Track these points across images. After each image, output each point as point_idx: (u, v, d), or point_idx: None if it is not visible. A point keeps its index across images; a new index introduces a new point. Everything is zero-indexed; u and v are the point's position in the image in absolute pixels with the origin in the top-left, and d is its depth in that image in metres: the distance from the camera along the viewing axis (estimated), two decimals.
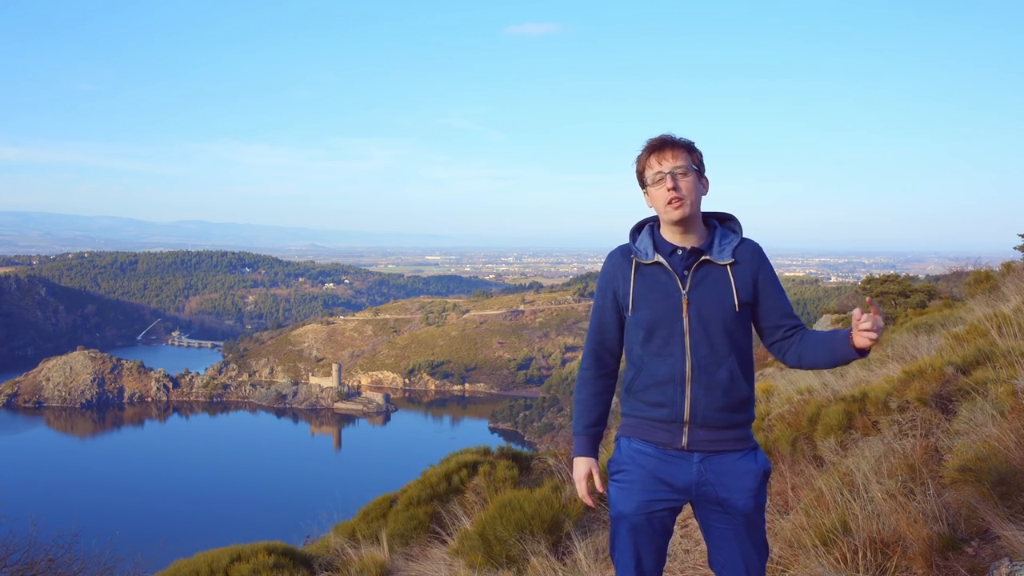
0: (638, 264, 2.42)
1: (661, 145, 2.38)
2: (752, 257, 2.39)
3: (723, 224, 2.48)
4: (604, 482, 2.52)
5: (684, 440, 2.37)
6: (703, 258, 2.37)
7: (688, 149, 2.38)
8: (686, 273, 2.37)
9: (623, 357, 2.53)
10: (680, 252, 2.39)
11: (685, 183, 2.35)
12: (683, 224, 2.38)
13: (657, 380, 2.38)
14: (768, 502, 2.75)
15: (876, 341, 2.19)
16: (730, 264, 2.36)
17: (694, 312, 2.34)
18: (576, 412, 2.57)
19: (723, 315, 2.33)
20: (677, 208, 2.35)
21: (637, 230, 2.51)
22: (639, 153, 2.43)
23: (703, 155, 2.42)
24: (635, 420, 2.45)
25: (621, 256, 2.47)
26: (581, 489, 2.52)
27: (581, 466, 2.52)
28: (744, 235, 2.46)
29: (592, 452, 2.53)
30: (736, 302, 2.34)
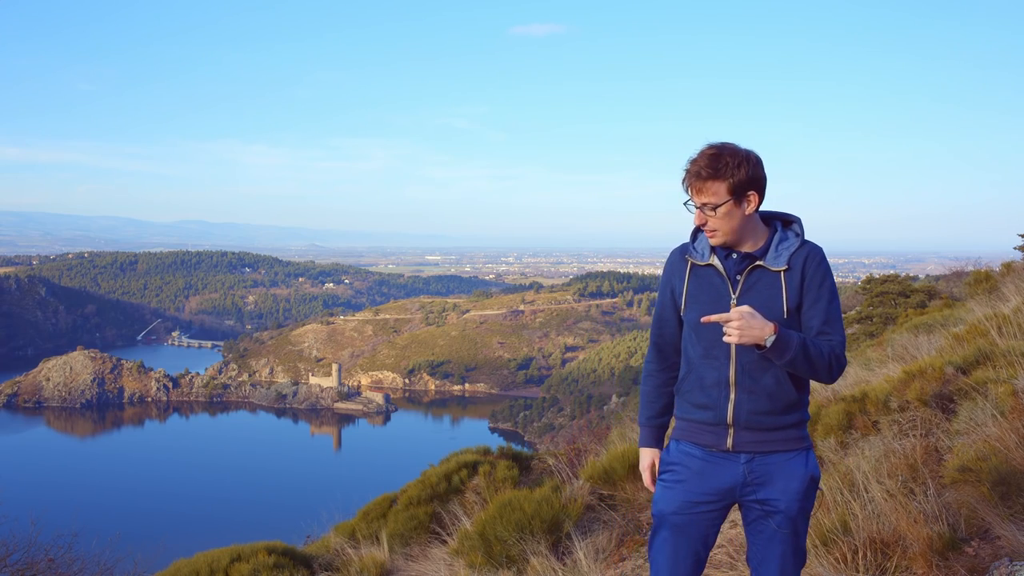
0: (693, 264, 2.41)
1: (696, 177, 2.29)
2: (806, 262, 2.31)
3: (786, 227, 2.39)
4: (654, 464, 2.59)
5: (729, 442, 2.36)
6: (756, 263, 2.32)
7: (727, 177, 2.25)
8: (738, 278, 2.33)
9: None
10: (735, 256, 2.36)
11: (716, 220, 2.29)
12: (726, 245, 2.36)
13: (703, 383, 2.39)
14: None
15: (741, 333, 2.16)
16: (784, 271, 2.30)
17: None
18: (641, 404, 2.62)
19: (775, 322, 2.27)
20: (712, 239, 2.34)
21: (699, 229, 2.46)
22: (686, 166, 2.33)
23: (752, 169, 2.25)
24: (684, 423, 2.47)
25: (680, 255, 2.47)
26: (646, 479, 2.58)
27: (645, 457, 2.59)
28: (806, 238, 2.36)
29: (656, 443, 2.58)
30: (785, 309, 2.28)
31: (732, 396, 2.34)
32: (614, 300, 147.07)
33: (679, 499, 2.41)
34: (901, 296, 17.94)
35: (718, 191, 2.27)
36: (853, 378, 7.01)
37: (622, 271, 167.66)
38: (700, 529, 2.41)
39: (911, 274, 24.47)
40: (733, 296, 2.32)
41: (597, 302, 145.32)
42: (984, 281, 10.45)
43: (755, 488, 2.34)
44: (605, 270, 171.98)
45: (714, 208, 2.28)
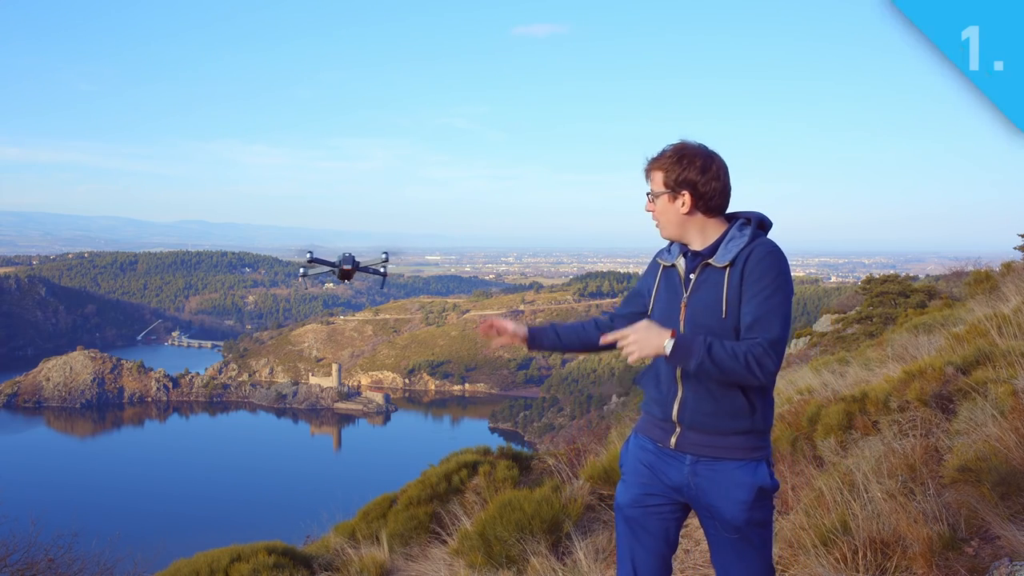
0: (664, 267, 2.48)
1: (648, 164, 2.42)
2: (748, 258, 2.28)
3: (746, 225, 2.40)
4: (509, 334, 2.69)
5: (673, 440, 2.39)
6: (706, 261, 2.34)
7: (665, 169, 2.35)
8: (691, 276, 2.37)
9: None
10: (690, 255, 2.41)
11: (655, 208, 2.41)
12: (672, 240, 2.44)
13: (658, 378, 2.44)
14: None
15: (632, 349, 2.22)
16: (728, 267, 2.30)
17: (689, 316, 2.34)
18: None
19: (712, 321, 2.29)
20: (658, 230, 2.45)
21: None
22: None
23: (689, 171, 2.32)
24: (643, 416, 2.53)
25: (657, 257, 2.54)
26: (486, 325, 2.74)
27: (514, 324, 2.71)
28: (762, 236, 2.35)
29: (535, 330, 2.70)
30: (724, 306, 2.28)
31: (679, 393, 2.37)
32: (614, 300, 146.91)
33: (632, 492, 2.46)
34: (901, 296, 17.97)
35: (656, 180, 2.38)
36: (853, 378, 7.02)
37: (622, 271, 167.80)
38: (658, 524, 2.43)
39: (911, 274, 24.52)
40: (684, 295, 2.37)
41: (597, 302, 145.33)
42: (984, 281, 10.46)
43: (699, 492, 2.34)
44: (605, 270, 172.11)
45: (653, 198, 2.40)
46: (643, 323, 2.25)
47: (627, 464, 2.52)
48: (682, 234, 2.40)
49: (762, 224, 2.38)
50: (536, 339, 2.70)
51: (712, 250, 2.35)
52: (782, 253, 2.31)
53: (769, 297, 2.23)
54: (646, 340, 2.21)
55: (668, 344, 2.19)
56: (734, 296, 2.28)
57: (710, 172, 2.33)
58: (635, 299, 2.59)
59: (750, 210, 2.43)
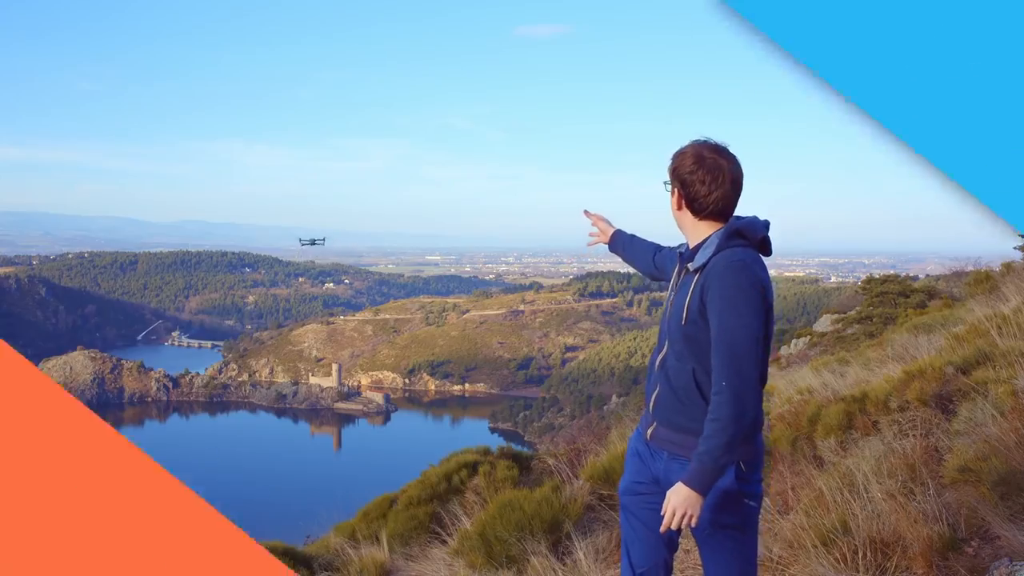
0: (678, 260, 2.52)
1: None
2: (710, 270, 2.23)
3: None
4: (602, 229, 2.96)
5: (649, 432, 2.42)
6: (686, 264, 2.36)
7: (672, 159, 2.37)
8: (680, 278, 2.42)
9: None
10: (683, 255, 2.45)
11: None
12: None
13: (650, 371, 2.48)
14: (760, 520, 2.61)
15: (685, 520, 2.16)
16: (697, 273, 2.28)
17: (668, 315, 2.39)
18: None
19: (677, 324, 2.31)
20: None
21: None
22: None
23: (674, 165, 2.33)
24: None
25: (677, 248, 2.56)
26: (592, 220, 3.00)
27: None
28: (731, 245, 2.25)
29: (619, 232, 2.93)
30: (685, 313, 2.27)
31: (657, 388, 2.39)
32: (614, 300, 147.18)
33: (626, 479, 2.51)
34: (901, 296, 17.98)
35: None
36: (853, 378, 7.02)
37: (622, 271, 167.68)
38: (649, 515, 2.40)
39: (911, 274, 24.55)
40: (672, 295, 2.40)
41: (597, 302, 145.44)
42: (984, 281, 10.46)
43: (668, 488, 2.32)
44: (605, 270, 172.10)
45: (665, 186, 2.43)
46: (668, 497, 2.19)
47: (628, 452, 2.58)
48: (679, 228, 2.43)
49: (740, 231, 2.27)
50: (613, 242, 2.93)
51: (692, 254, 2.34)
52: (745, 264, 2.20)
53: (723, 319, 2.18)
54: (685, 505, 2.15)
55: (696, 493, 2.14)
56: (695, 305, 2.26)
57: (696, 174, 2.27)
58: (668, 263, 2.65)
59: (745, 215, 2.36)
